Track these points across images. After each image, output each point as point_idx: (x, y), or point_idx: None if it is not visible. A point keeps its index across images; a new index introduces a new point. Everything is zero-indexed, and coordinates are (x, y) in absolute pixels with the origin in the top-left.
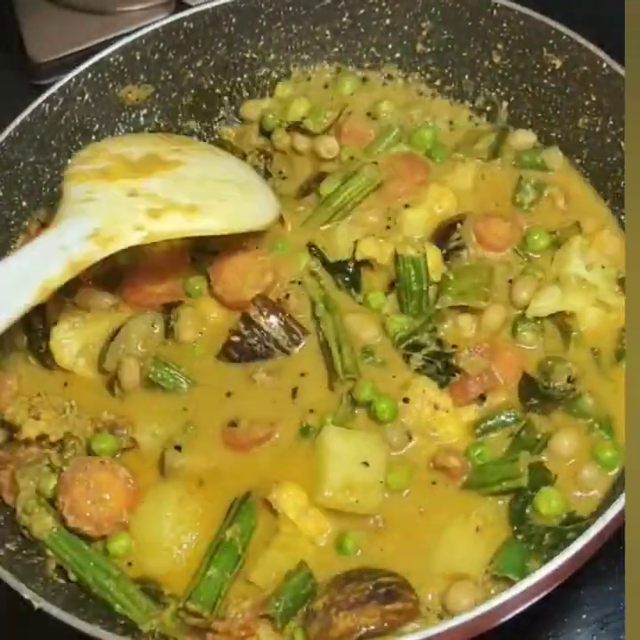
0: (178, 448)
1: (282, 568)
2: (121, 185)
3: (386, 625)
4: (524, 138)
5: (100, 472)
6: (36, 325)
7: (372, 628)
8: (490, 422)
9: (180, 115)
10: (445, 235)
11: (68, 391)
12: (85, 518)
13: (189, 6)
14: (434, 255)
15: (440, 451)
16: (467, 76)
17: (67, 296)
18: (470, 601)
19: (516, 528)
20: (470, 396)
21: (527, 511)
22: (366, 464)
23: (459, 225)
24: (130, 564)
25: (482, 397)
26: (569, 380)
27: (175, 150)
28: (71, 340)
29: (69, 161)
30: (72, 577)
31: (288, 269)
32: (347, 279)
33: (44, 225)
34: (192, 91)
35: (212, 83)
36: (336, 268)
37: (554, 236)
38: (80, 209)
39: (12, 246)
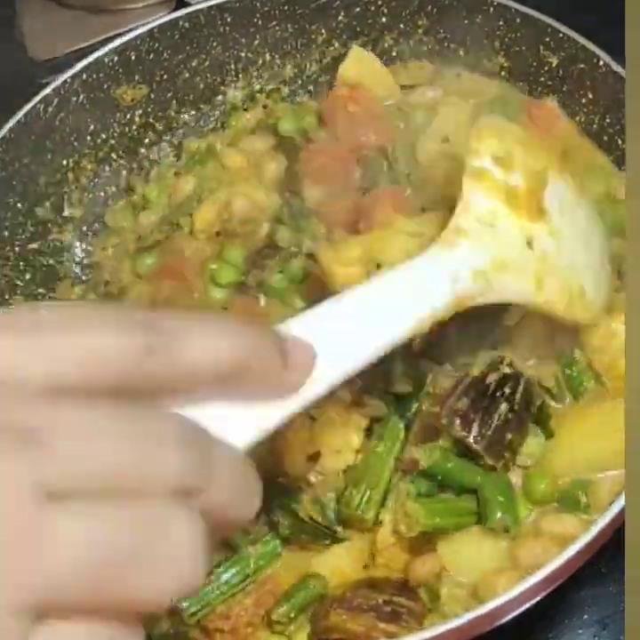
0: None
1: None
2: (522, 226)
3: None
4: None
5: None
6: None
7: (357, 634)
8: None
9: (176, 116)
10: None
11: None
12: None
13: (190, 4)
14: None
15: None
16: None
17: None
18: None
19: None
20: None
21: None
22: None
23: None
24: None
25: None
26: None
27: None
28: None
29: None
30: None
31: None
32: None
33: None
34: (188, 91)
35: (207, 82)
36: None
37: None
38: (480, 232)
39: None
